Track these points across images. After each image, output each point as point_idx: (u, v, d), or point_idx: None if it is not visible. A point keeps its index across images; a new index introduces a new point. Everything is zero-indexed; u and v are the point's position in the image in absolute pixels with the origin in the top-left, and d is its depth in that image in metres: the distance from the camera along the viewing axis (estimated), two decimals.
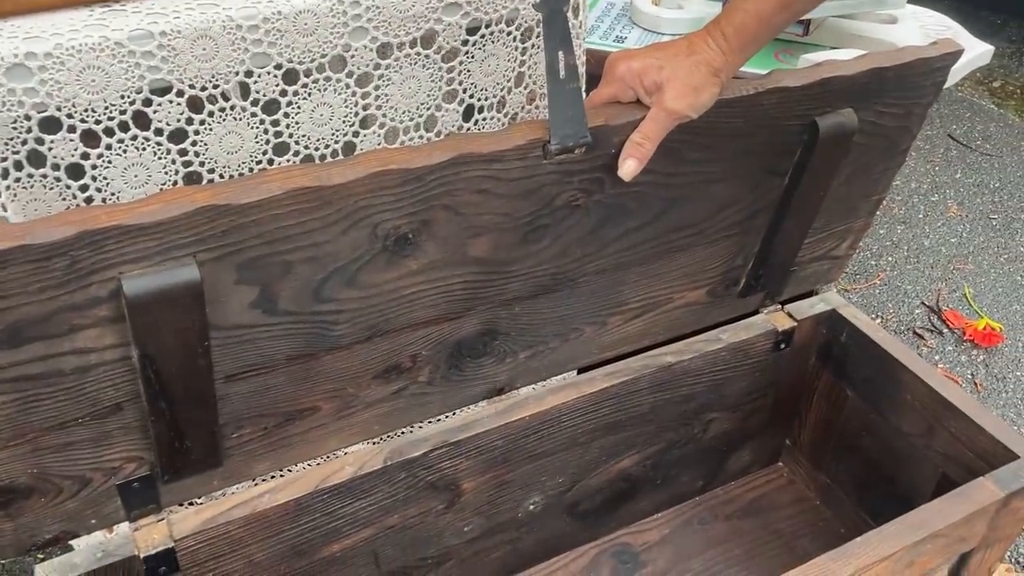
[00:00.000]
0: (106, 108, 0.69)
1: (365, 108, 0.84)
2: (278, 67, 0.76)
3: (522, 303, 0.87)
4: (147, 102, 0.71)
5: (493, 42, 0.88)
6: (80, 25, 0.67)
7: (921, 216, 2.22)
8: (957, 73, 1.11)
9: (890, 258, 2.08)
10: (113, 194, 0.74)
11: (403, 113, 0.87)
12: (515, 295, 0.86)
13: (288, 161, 0.82)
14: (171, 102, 0.72)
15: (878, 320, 1.90)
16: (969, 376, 1.78)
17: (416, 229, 0.74)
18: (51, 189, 0.71)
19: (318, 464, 0.90)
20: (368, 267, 0.74)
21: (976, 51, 1.14)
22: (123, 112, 0.70)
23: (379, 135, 0.87)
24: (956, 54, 0.94)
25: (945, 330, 1.88)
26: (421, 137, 0.90)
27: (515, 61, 0.91)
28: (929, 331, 1.88)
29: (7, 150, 0.67)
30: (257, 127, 0.78)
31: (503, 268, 0.83)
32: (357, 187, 0.68)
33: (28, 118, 0.66)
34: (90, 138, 0.70)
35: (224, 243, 0.65)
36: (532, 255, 0.84)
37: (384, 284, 0.77)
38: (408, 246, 0.75)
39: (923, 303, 1.95)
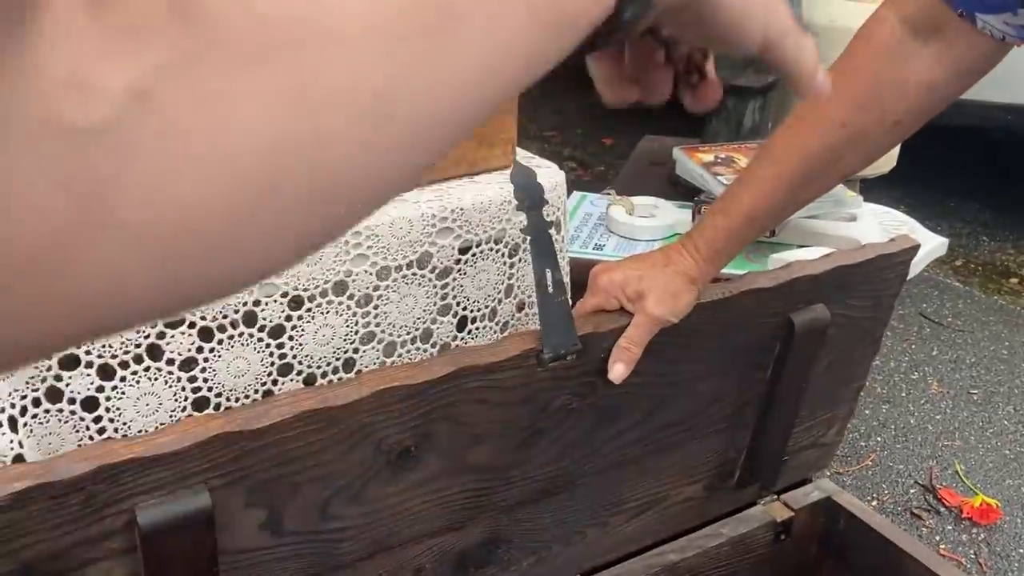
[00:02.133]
0: (122, 343, 0.73)
1: (365, 326, 0.89)
2: (284, 295, 0.80)
3: (524, 508, 0.88)
4: (160, 335, 0.75)
5: (483, 259, 0.94)
6: None
7: (904, 395, 2.26)
8: (917, 265, 1.18)
9: (878, 438, 2.10)
10: (125, 423, 0.76)
11: (401, 328, 0.92)
12: (516, 501, 0.87)
13: (292, 381, 0.85)
14: (183, 333, 0.76)
15: (874, 502, 1.89)
16: (972, 556, 1.75)
17: (418, 442, 0.76)
18: (66, 423, 0.73)
19: None
20: (372, 483, 0.76)
21: (932, 243, 1.22)
22: (138, 346, 0.74)
23: (378, 350, 0.91)
24: (914, 249, 1.01)
25: (942, 509, 1.88)
26: (418, 349, 0.94)
27: (504, 275, 0.97)
28: (926, 511, 1.87)
29: (27, 388, 0.70)
30: (263, 351, 0.82)
31: (503, 474, 0.85)
32: (362, 406, 0.71)
33: (49, 357, 0.70)
34: (106, 372, 0.73)
35: (235, 468, 0.67)
36: (531, 459, 0.86)
37: (387, 498, 0.78)
38: (411, 459, 0.77)
39: (916, 482, 1.96)
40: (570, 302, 0.93)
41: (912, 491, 1.92)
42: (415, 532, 0.82)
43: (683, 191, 1.41)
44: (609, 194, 1.40)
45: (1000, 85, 2.48)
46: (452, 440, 0.79)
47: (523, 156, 1.02)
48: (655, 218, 1.32)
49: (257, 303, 0.79)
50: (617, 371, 0.84)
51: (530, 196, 0.78)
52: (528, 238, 0.95)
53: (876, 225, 1.27)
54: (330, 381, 0.88)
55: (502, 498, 0.86)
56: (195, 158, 0.21)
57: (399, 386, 0.73)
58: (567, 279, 1.03)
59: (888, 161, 1.50)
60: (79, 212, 0.19)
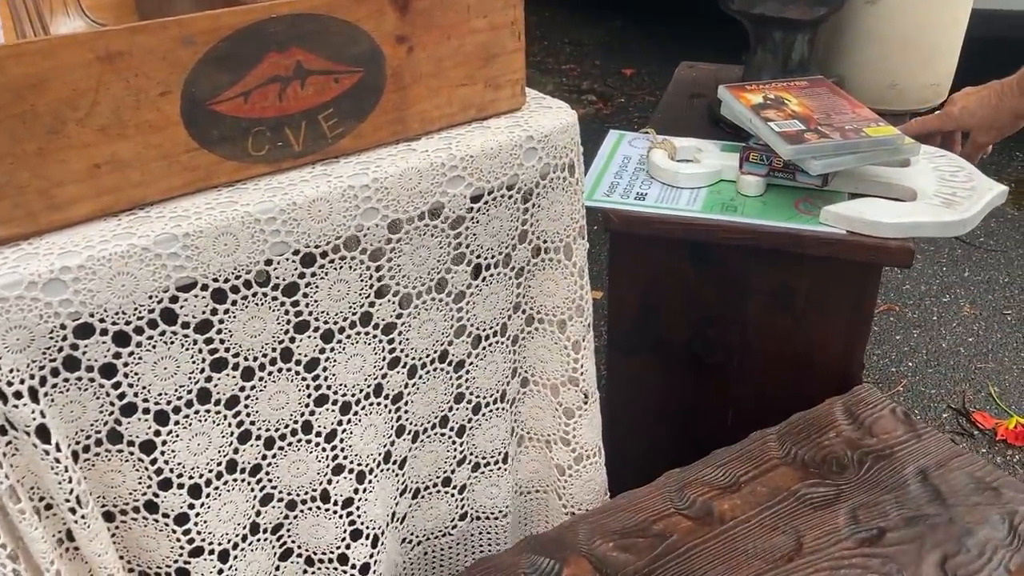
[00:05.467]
0: (135, 309, 0.73)
1: (380, 280, 0.88)
2: (296, 253, 0.80)
3: None
4: (173, 299, 0.75)
5: (496, 206, 0.93)
6: (110, 235, 0.71)
7: (935, 318, 2.23)
8: (977, 217, 1.14)
9: (909, 363, 2.08)
10: (144, 387, 0.76)
11: (416, 280, 0.91)
12: None
13: (309, 337, 0.85)
14: (196, 296, 0.76)
15: None
16: None
17: None
18: (86, 390, 0.74)
19: None
20: None
21: (993, 193, 1.17)
22: (151, 311, 0.74)
23: (394, 302, 0.91)
24: None
25: (976, 432, 1.86)
26: (433, 299, 0.94)
27: (517, 220, 0.95)
28: (960, 434, 1.86)
29: (45, 359, 0.70)
30: (278, 309, 0.82)
31: None
32: None
33: (63, 327, 0.70)
34: (121, 338, 0.73)
35: None
36: None
37: None
38: None
39: (949, 406, 1.94)
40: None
41: (945, 415, 1.91)
42: None
43: (727, 130, 1.36)
44: (647, 132, 1.35)
45: None
46: None
47: (534, 96, 0.99)
48: (700, 163, 1.27)
49: (269, 262, 0.78)
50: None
51: None
52: (541, 181, 0.94)
53: (931, 171, 1.21)
54: (348, 336, 0.88)
55: None
56: None
57: None
58: (584, 221, 1.01)
59: (939, 95, 1.45)
60: None
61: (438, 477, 1.03)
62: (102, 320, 0.72)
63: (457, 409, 1.00)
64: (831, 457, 1.08)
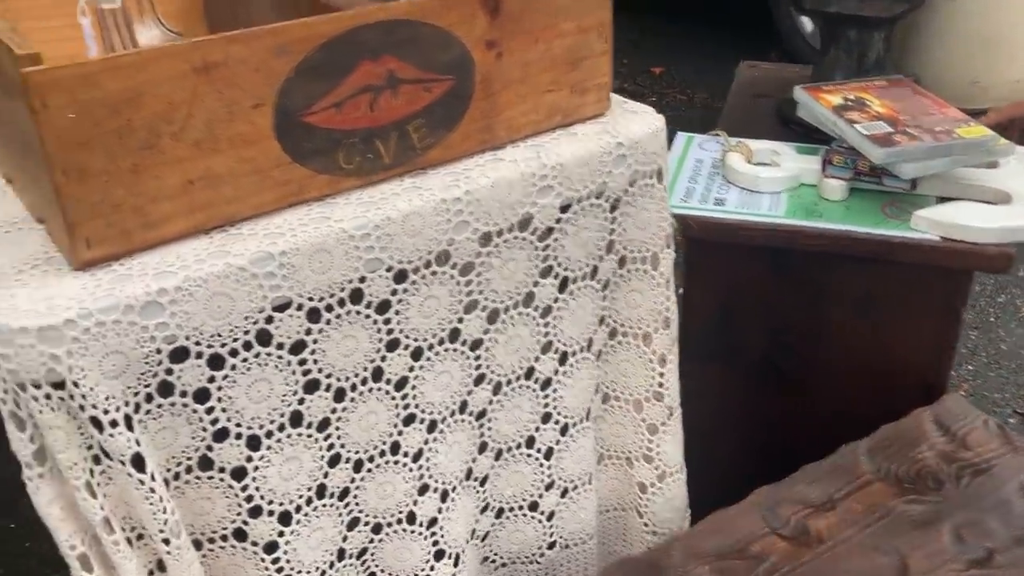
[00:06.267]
0: (231, 331, 0.70)
1: (469, 294, 0.85)
2: (389, 269, 0.76)
3: None
4: (269, 319, 0.71)
5: (584, 216, 0.89)
6: (204, 254, 0.68)
7: (993, 319, 2.18)
8: None
9: (970, 367, 2.03)
10: (238, 411, 0.73)
11: (504, 294, 0.87)
12: None
13: (399, 355, 0.82)
14: (291, 316, 0.72)
15: None
16: None
17: None
18: (178, 416, 0.71)
19: None
20: None
21: None
22: (247, 332, 0.71)
23: (482, 318, 0.87)
24: None
25: None
26: (520, 314, 0.90)
27: (605, 230, 0.92)
28: None
29: (139, 385, 0.67)
30: (371, 328, 0.78)
31: None
32: None
33: (159, 351, 0.67)
34: (216, 362, 0.70)
35: None
36: None
37: None
38: None
39: (1015, 411, 1.89)
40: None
41: (1011, 420, 1.86)
42: None
43: (798, 131, 1.31)
44: (717, 135, 1.30)
45: None
46: None
47: (617, 100, 0.96)
48: (779, 167, 1.21)
49: (363, 279, 0.75)
50: None
51: None
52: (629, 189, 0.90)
53: (1022, 171, 1.15)
54: (436, 353, 0.84)
55: None
56: None
57: None
58: (671, 230, 0.97)
59: (1022, 91, 1.39)
60: None
61: (524, 500, 0.99)
62: (197, 343, 0.69)
63: (544, 430, 0.96)
64: (926, 472, 1.03)
